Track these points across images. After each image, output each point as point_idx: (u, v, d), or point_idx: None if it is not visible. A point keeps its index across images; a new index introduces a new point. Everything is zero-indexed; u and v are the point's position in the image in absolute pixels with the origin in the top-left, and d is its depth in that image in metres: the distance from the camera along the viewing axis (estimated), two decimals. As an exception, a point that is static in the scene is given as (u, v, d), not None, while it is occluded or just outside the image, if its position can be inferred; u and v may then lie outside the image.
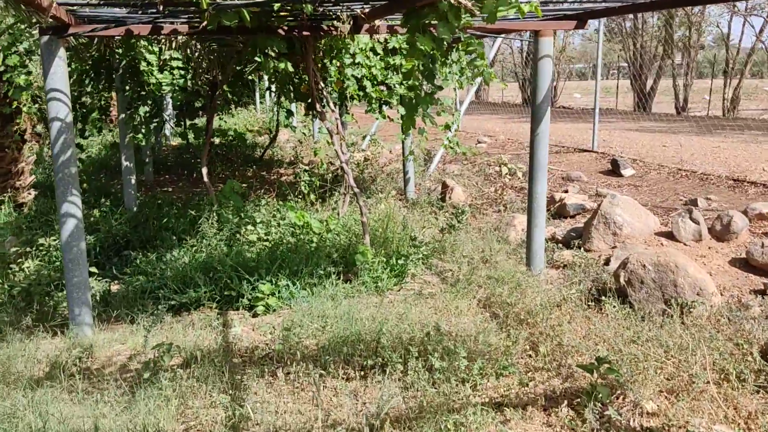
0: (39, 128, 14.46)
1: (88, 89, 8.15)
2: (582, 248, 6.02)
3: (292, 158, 13.74)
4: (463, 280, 5.31)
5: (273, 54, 5.53)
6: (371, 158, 11.92)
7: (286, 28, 4.75)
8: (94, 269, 5.47)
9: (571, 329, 4.34)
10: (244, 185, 9.73)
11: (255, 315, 4.96)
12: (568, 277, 5.46)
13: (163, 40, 5.49)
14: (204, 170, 6.53)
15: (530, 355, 4.12)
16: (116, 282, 5.72)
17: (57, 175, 4.43)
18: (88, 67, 7.98)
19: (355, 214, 7.17)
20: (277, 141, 16.54)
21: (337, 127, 5.87)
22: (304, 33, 4.80)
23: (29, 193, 8.44)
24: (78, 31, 4.37)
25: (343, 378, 3.88)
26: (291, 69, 5.40)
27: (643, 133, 13.40)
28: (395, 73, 7.72)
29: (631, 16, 24.51)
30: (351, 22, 4.79)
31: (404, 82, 7.13)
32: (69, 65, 7.43)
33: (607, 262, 5.56)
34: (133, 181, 8.05)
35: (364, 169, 11.29)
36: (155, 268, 5.43)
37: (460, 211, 6.74)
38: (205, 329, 4.68)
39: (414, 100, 4.49)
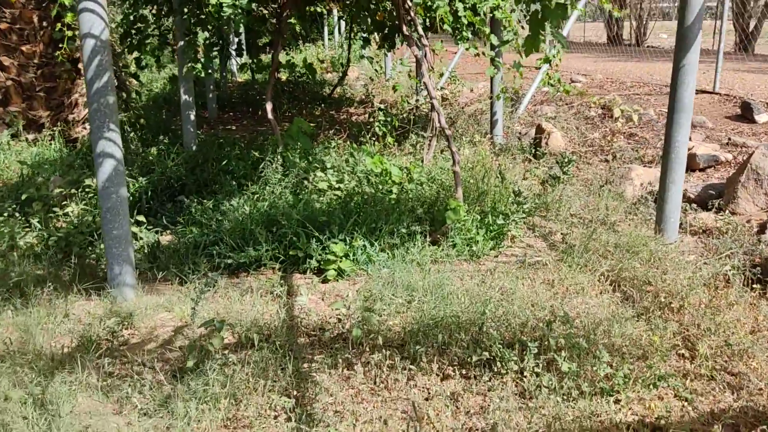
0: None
1: (145, 12, 7.34)
2: (725, 210, 4.89)
3: (363, 97, 12.75)
4: (578, 247, 4.30)
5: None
6: (450, 97, 10.81)
7: None
8: (141, 218, 4.73)
9: (733, 321, 3.32)
10: (312, 125, 8.86)
11: (325, 280, 4.12)
12: (710, 248, 4.37)
13: None
14: (269, 106, 5.65)
15: (684, 356, 3.13)
16: (168, 232, 4.99)
17: (91, 105, 3.62)
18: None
19: (440, 161, 6.19)
20: (346, 79, 15.58)
21: (426, 55, 4.85)
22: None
23: (84, 128, 7.81)
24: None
25: (437, 375, 3.00)
26: None
27: (758, 74, 11.73)
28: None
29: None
30: None
31: None
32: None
33: (762, 230, 4.43)
34: (192, 117, 7.28)
35: (444, 106, 10.21)
36: (211, 219, 4.65)
37: (565, 159, 5.67)
38: (265, 297, 3.88)
39: (541, 13, 3.42)
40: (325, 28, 23.70)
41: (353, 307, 3.55)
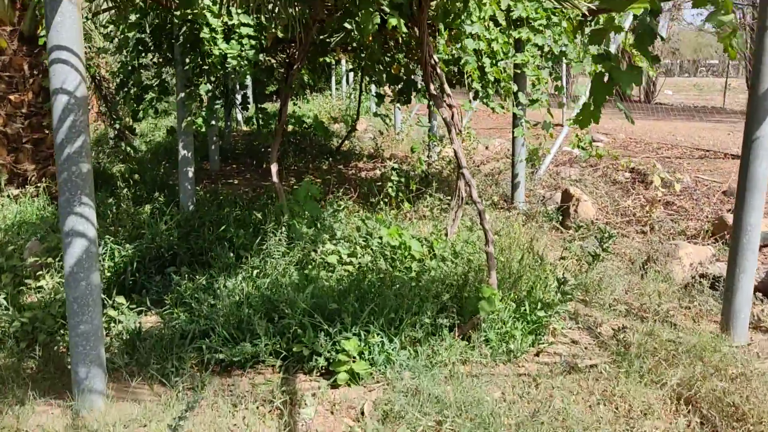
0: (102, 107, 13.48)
1: (144, 61, 6.83)
2: (800, 304, 4.24)
3: (372, 150, 12.24)
4: (635, 347, 3.63)
5: (378, 6, 3.97)
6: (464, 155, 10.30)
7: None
8: (122, 299, 4.08)
9: None
10: (319, 183, 8.28)
11: (335, 384, 3.44)
12: (791, 351, 3.70)
13: None
14: (273, 168, 5.06)
15: None
16: (153, 312, 4.33)
17: (61, 174, 3.01)
18: (145, 36, 6.66)
19: (463, 230, 5.57)
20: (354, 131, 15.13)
21: (453, 117, 4.27)
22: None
23: (74, 182, 7.21)
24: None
25: None
26: (404, 30, 3.81)
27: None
28: (517, 49, 6.04)
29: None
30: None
31: (591, 47, 5.47)
32: (121, 31, 6.11)
33: None
34: (190, 174, 6.69)
35: (455, 169, 9.66)
36: (202, 302, 3.99)
37: (605, 234, 5.03)
38: (262, 407, 3.20)
39: (609, 76, 2.83)
40: (333, 78, 23.49)
41: (370, 428, 2.86)
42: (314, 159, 11.23)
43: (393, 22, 3.41)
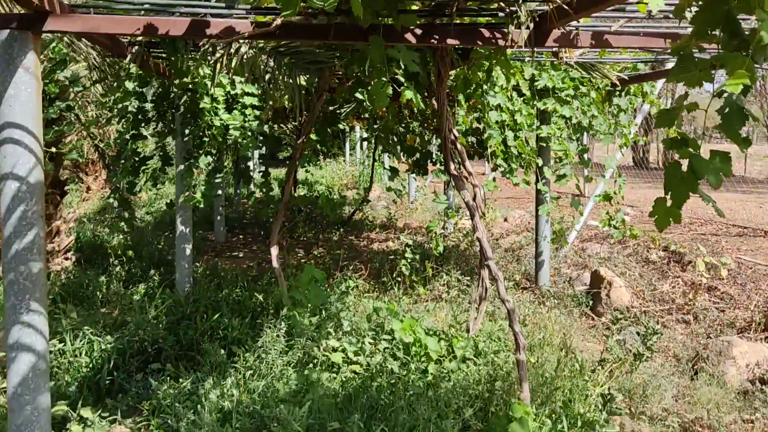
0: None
1: (145, 131, 6.43)
2: None
3: (385, 220, 11.76)
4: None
5: (396, 72, 3.53)
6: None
7: (419, 31, 2.72)
8: (88, 412, 3.49)
9: None
10: (328, 259, 7.76)
11: None
12: None
13: (218, 56, 3.54)
14: (274, 252, 4.53)
15: None
16: (128, 422, 3.73)
17: (7, 274, 2.50)
18: (146, 105, 6.29)
19: (485, 322, 4.98)
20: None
21: (476, 198, 3.75)
22: (448, 42, 2.75)
23: (66, 258, 6.75)
24: (62, 29, 2.50)
25: None
26: (421, 105, 3.34)
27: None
28: (541, 121, 5.58)
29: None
30: (531, 25, 2.71)
31: (622, 118, 5.03)
32: (115, 101, 5.73)
33: None
34: (187, 251, 6.19)
35: (473, 241, 9.11)
36: (182, 416, 3.40)
37: (649, 330, 4.42)
38: None
39: (689, 165, 2.29)
40: (347, 143, 23.33)
41: None
42: (324, 229, 10.76)
43: (408, 95, 2.94)
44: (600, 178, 6.83)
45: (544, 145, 5.60)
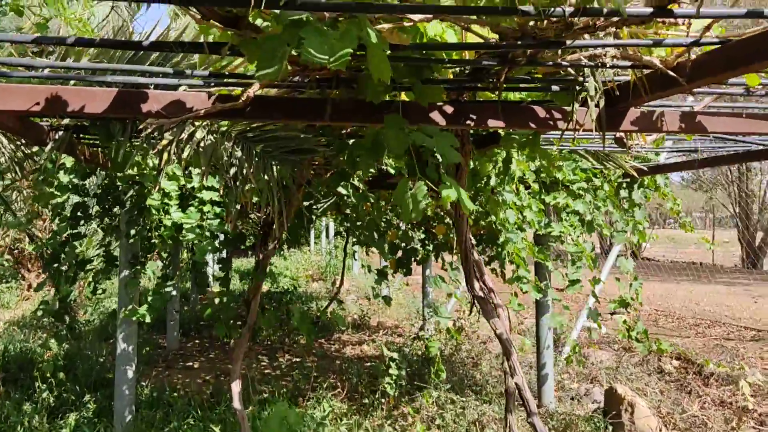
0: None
1: (85, 229, 5.51)
2: None
3: (356, 318, 10.79)
4: None
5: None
6: (465, 327, 8.86)
7: (449, 109, 1.94)
8: None
9: None
10: (296, 377, 6.73)
11: None
12: None
13: (165, 143, 2.69)
14: (235, 388, 3.50)
15: None
16: None
17: None
18: (87, 200, 5.38)
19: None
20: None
21: (496, 308, 2.90)
22: (490, 124, 1.97)
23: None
24: None
25: None
26: (470, 205, 2.48)
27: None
28: (550, 217, 4.84)
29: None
30: (602, 102, 1.95)
31: (637, 213, 4.32)
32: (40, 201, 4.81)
33: None
34: (129, 374, 5.14)
35: (459, 344, 8.19)
36: None
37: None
38: None
39: None
40: (312, 232, 22.51)
41: None
42: (291, 331, 9.72)
43: (450, 195, 2.10)
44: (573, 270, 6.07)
45: (552, 244, 4.84)
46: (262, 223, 7.70)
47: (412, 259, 6.73)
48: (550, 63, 1.73)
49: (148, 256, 4.75)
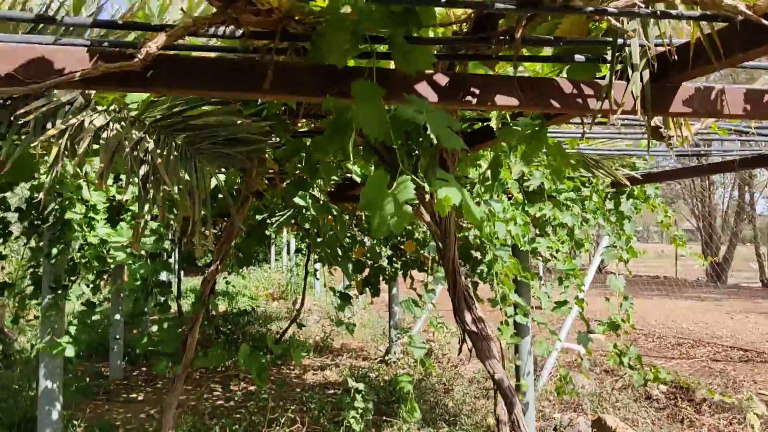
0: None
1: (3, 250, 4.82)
2: None
3: (319, 340, 10.13)
4: None
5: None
6: (436, 349, 8.30)
7: (444, 80, 1.39)
8: None
9: None
10: (252, 411, 6.05)
11: None
12: None
13: (51, 133, 2.08)
14: (168, 420, 2.82)
15: None
16: None
17: None
18: (6, 215, 4.67)
19: None
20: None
21: (490, 345, 2.34)
22: (498, 102, 1.42)
23: None
24: None
25: None
26: (478, 215, 1.90)
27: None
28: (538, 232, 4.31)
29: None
30: (646, 75, 1.41)
31: (626, 228, 3.85)
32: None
33: None
34: (54, 415, 4.43)
35: (428, 370, 7.60)
36: None
37: None
38: None
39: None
40: (272, 249, 21.75)
41: None
42: (213, 357, 8.98)
43: (451, 198, 1.52)
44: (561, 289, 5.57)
45: (540, 261, 4.32)
46: (221, 233, 7.03)
47: (380, 278, 6.17)
48: (591, 9, 1.19)
49: (73, 279, 4.07)
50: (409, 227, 6.63)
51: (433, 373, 3.68)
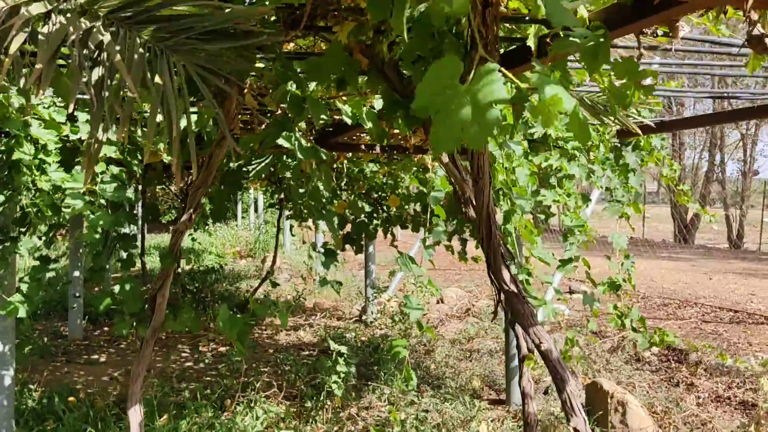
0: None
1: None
2: None
3: (291, 300, 9.77)
4: None
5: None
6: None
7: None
8: None
9: None
10: (223, 374, 5.68)
11: None
12: None
13: None
14: (134, 419, 2.43)
15: None
16: None
17: None
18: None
19: None
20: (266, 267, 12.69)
21: (531, 314, 1.98)
22: None
23: None
24: None
25: None
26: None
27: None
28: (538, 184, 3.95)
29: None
30: None
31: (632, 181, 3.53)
32: None
33: None
34: (7, 380, 3.99)
35: (407, 329, 7.32)
36: None
37: None
38: None
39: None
40: (239, 205, 21.21)
41: None
42: (215, 317, 8.60)
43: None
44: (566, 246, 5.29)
45: (543, 217, 3.98)
46: (187, 187, 6.53)
47: (362, 234, 5.80)
48: None
49: (23, 230, 3.59)
50: (392, 181, 6.24)
51: (431, 335, 3.35)
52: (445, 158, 2.04)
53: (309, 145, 3.08)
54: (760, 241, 19.29)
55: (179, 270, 7.80)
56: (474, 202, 1.71)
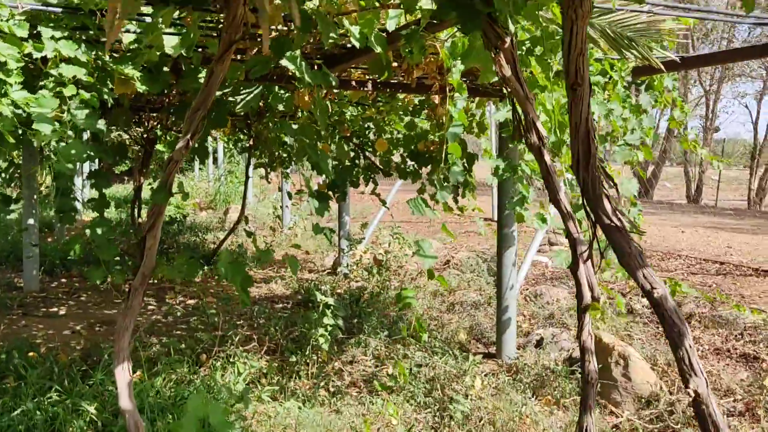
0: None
1: None
2: None
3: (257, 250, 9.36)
4: None
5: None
6: (387, 263, 7.65)
7: None
8: None
9: None
10: (195, 327, 5.33)
11: None
12: None
13: None
14: (122, 380, 2.08)
15: None
16: None
17: None
18: None
19: None
20: (228, 218, 12.25)
21: (639, 254, 1.70)
22: None
23: None
24: None
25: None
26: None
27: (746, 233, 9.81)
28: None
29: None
30: None
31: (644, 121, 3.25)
32: None
33: None
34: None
35: (385, 282, 7.02)
36: None
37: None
38: None
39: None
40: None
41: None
42: (181, 267, 8.17)
43: None
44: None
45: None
46: (147, 134, 6.06)
47: (347, 180, 5.47)
48: None
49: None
50: (380, 124, 5.86)
51: (442, 284, 3.09)
52: (508, 71, 1.71)
53: (320, 68, 2.71)
54: (716, 197, 19.64)
55: (139, 220, 7.33)
56: (571, 114, 1.40)
